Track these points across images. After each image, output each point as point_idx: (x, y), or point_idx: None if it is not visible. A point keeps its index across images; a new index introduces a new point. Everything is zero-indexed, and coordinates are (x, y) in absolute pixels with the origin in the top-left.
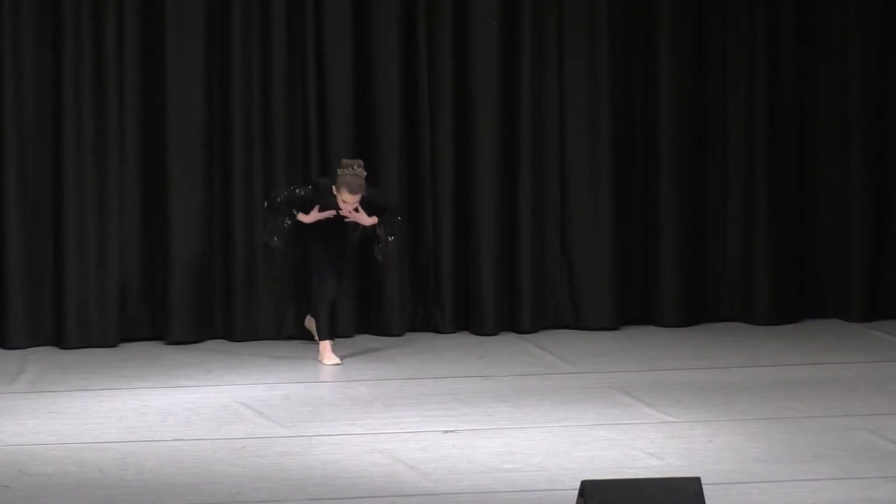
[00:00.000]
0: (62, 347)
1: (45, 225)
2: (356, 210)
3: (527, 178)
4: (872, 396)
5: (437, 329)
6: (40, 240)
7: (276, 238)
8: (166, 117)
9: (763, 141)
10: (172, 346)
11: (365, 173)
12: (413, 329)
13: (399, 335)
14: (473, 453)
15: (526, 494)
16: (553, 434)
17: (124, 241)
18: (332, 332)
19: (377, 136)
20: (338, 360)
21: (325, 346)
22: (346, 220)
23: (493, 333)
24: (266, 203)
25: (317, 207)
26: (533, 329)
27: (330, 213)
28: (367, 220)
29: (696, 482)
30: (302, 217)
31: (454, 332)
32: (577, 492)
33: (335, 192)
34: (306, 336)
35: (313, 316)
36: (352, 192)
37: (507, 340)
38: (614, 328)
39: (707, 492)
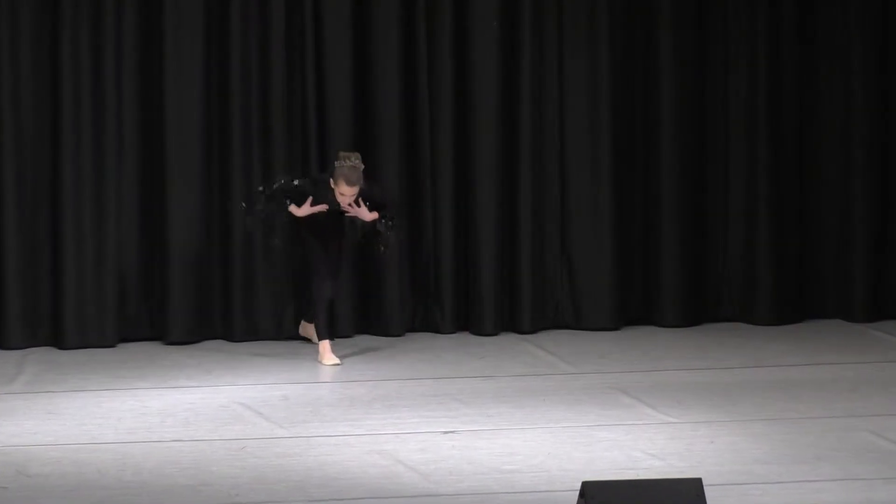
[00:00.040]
0: (60, 348)
1: (44, 225)
2: (357, 205)
3: (527, 178)
4: (874, 397)
5: (437, 329)
6: (38, 240)
7: (277, 240)
8: (165, 118)
9: (764, 141)
10: (171, 346)
11: (362, 166)
12: (413, 329)
13: (399, 335)
14: (473, 454)
15: (526, 495)
16: (554, 435)
17: (123, 241)
18: (331, 331)
19: (377, 137)
20: (337, 361)
21: (325, 346)
22: (345, 215)
23: (494, 334)
24: (261, 188)
25: (309, 200)
26: (533, 329)
27: (322, 208)
28: (367, 215)
29: (697, 483)
30: (294, 209)
31: (454, 333)
32: (577, 493)
33: (333, 185)
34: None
35: (309, 320)
36: (349, 183)
37: (507, 341)
38: (615, 328)
39: (708, 493)
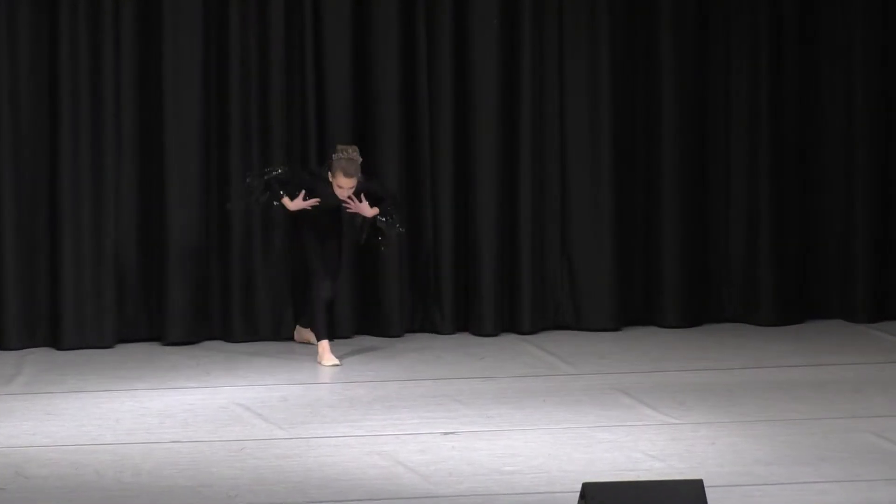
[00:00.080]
0: (59, 348)
1: (42, 226)
2: (359, 200)
3: (527, 178)
4: (876, 398)
5: (437, 330)
6: (37, 240)
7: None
8: (163, 118)
9: (766, 140)
10: (170, 347)
11: (360, 159)
12: (412, 330)
13: (398, 336)
14: (473, 455)
15: (527, 497)
16: (554, 436)
17: (121, 241)
18: (330, 332)
19: (377, 137)
20: (336, 361)
21: (324, 346)
22: (343, 213)
23: (494, 334)
24: (261, 175)
25: (302, 194)
26: (533, 330)
27: (314, 202)
28: (368, 211)
29: (698, 484)
30: (286, 202)
31: (454, 333)
32: (578, 494)
33: (331, 178)
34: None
35: (304, 324)
36: (347, 175)
37: (507, 341)
38: (615, 329)
39: (709, 494)
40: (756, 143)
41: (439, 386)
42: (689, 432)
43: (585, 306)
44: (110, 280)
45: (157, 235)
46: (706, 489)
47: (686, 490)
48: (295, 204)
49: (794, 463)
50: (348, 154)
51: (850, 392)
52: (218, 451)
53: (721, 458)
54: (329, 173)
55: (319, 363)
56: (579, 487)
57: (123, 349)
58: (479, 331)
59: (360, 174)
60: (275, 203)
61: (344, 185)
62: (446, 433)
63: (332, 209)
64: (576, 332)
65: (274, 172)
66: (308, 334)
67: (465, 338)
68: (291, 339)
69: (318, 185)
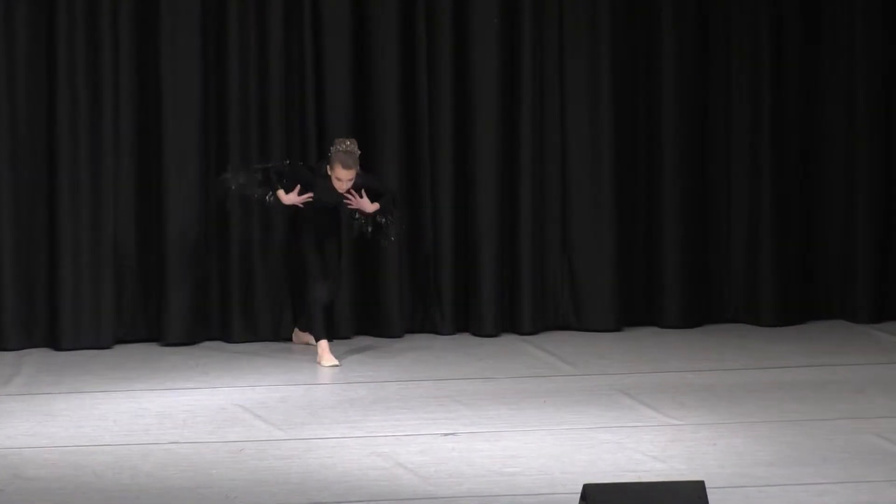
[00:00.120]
0: (57, 349)
1: (40, 225)
2: (360, 196)
3: (527, 178)
4: (879, 399)
5: (437, 330)
6: (35, 240)
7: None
8: (162, 118)
9: (767, 141)
10: (168, 347)
11: (359, 151)
12: (412, 330)
13: (398, 336)
14: (474, 456)
15: (527, 498)
16: (555, 437)
17: (120, 242)
18: (329, 332)
19: (376, 137)
20: (336, 362)
21: (323, 346)
22: (341, 212)
23: (494, 335)
24: (260, 165)
25: (297, 189)
26: (534, 330)
27: (308, 197)
28: (369, 206)
29: (699, 486)
30: (281, 194)
31: (454, 334)
32: (579, 495)
33: (329, 172)
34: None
35: (302, 327)
36: (346, 167)
37: (507, 342)
38: (616, 329)
39: (711, 495)
40: (757, 144)
41: (439, 387)
42: (690, 433)
43: (586, 306)
44: (109, 280)
45: (155, 236)
46: (707, 490)
47: (687, 491)
48: (290, 198)
49: (795, 464)
50: (346, 146)
51: (852, 393)
52: (217, 452)
53: (722, 459)
54: (328, 167)
55: (318, 364)
56: (580, 489)
57: (122, 350)
58: (480, 331)
59: (358, 166)
60: (268, 199)
61: (343, 178)
62: (446, 434)
63: (331, 208)
64: (576, 332)
65: (271, 164)
66: (307, 336)
67: (465, 338)
68: (291, 339)
69: (318, 181)
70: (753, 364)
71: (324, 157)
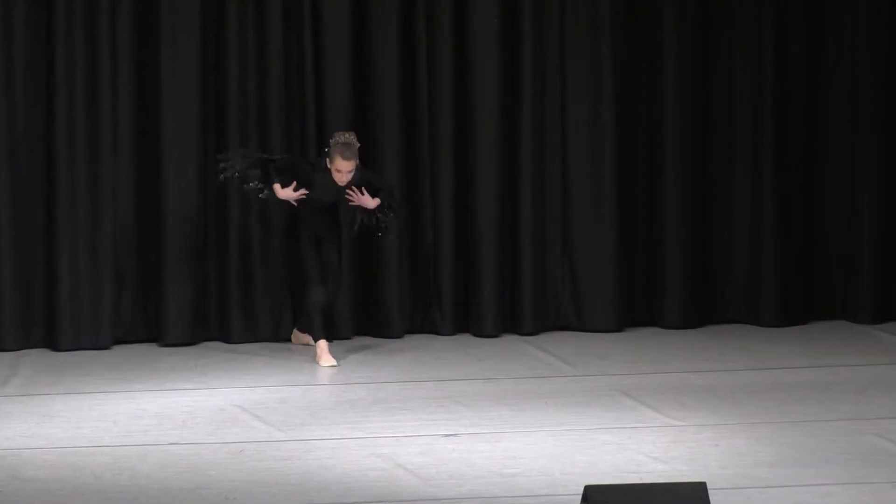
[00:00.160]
0: (55, 350)
1: (38, 226)
2: (360, 192)
3: (528, 178)
4: (881, 399)
5: (437, 331)
6: (33, 240)
7: (249, 183)
8: (161, 118)
9: (769, 140)
10: (167, 348)
11: (358, 144)
12: (412, 330)
13: (398, 337)
14: (474, 458)
15: (528, 499)
16: (555, 438)
17: (118, 242)
18: (328, 332)
19: (376, 137)
20: (334, 363)
21: (322, 346)
22: (340, 211)
23: (494, 335)
24: (260, 155)
25: (293, 185)
26: (534, 331)
27: (303, 194)
28: (370, 202)
29: (701, 487)
30: (276, 188)
31: (454, 334)
32: (580, 497)
33: (329, 165)
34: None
35: (302, 329)
36: (345, 158)
37: (508, 342)
38: (617, 330)
39: (713, 497)
40: (759, 144)
41: (440, 387)
42: (691, 434)
43: (587, 307)
44: (107, 281)
45: (154, 236)
46: (709, 491)
47: (689, 492)
48: (285, 193)
49: (797, 465)
50: (345, 138)
51: (854, 393)
52: (216, 453)
53: (724, 460)
54: (327, 160)
55: (318, 364)
56: (581, 490)
57: (121, 350)
58: (480, 331)
59: (357, 159)
60: (261, 196)
61: (343, 169)
62: (447, 435)
63: (330, 206)
64: (577, 332)
65: (272, 158)
66: (306, 337)
67: (465, 338)
68: (290, 340)
69: (317, 176)
70: (755, 365)
71: (323, 153)
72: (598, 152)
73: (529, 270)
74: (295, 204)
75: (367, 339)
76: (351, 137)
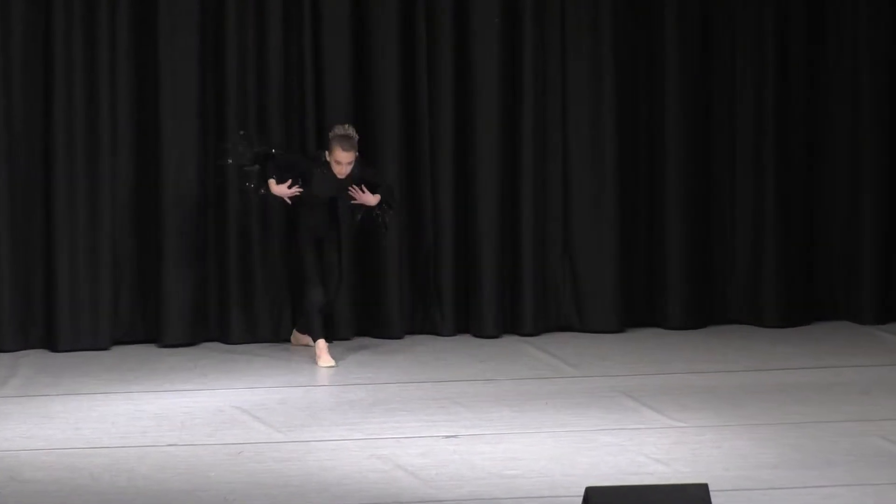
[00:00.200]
0: (53, 350)
1: (37, 226)
2: (361, 191)
3: (528, 178)
4: (884, 400)
5: (437, 331)
6: (31, 240)
7: (249, 183)
8: (160, 118)
9: (771, 140)
10: (166, 349)
11: (357, 136)
12: (413, 331)
13: (398, 337)
14: (475, 459)
15: (529, 501)
16: (556, 439)
17: (117, 242)
18: (327, 332)
19: (377, 136)
20: (333, 363)
21: (321, 346)
22: (339, 209)
23: (495, 336)
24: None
25: (288, 183)
26: (535, 331)
27: (297, 191)
28: (372, 199)
29: (703, 489)
30: (272, 184)
31: (455, 335)
32: (581, 498)
33: (328, 157)
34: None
35: (301, 329)
36: (344, 149)
37: (508, 343)
38: (619, 331)
39: (715, 499)
40: (761, 143)
41: (440, 388)
42: (693, 435)
43: (588, 307)
44: (106, 281)
45: (153, 236)
46: (711, 493)
47: (691, 494)
48: (279, 190)
49: (800, 466)
50: (345, 130)
51: (857, 394)
52: (215, 455)
53: (726, 462)
54: (326, 153)
55: (317, 364)
56: (582, 491)
57: (120, 351)
58: (481, 332)
59: (356, 151)
60: (262, 192)
61: (342, 161)
62: (447, 436)
63: (329, 203)
64: (578, 333)
65: (273, 152)
66: (306, 338)
67: (465, 339)
68: (289, 340)
69: (315, 171)
70: (757, 365)
71: (323, 147)
72: (599, 152)
73: (530, 271)
74: (289, 202)
75: (367, 340)
76: (350, 130)
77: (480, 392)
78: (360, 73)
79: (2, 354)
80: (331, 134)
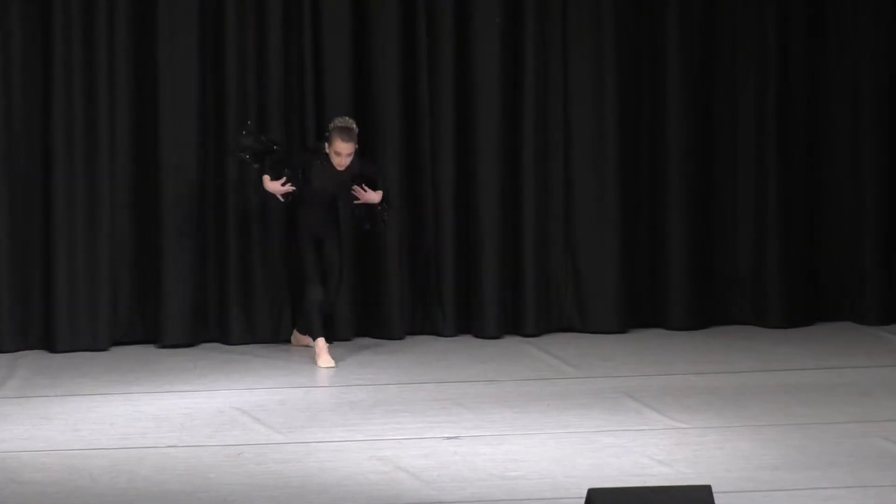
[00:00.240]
0: (52, 351)
1: (35, 226)
2: (359, 185)
3: (530, 177)
4: (887, 402)
5: (439, 332)
6: (30, 240)
7: (247, 155)
8: (159, 119)
9: (773, 139)
10: (166, 349)
11: (356, 129)
12: (413, 332)
13: (399, 338)
14: (476, 460)
15: (531, 503)
16: (558, 441)
17: (116, 242)
18: (327, 332)
19: (377, 136)
20: (332, 364)
21: (321, 345)
22: (339, 209)
23: (496, 336)
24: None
25: (282, 180)
26: (537, 332)
27: (289, 189)
28: (375, 197)
29: (706, 490)
30: (266, 180)
31: (456, 335)
32: (583, 500)
33: (327, 149)
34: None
35: (301, 330)
36: (344, 140)
37: (510, 344)
38: (621, 331)
39: (717, 500)
40: (763, 142)
41: (441, 389)
42: (696, 437)
43: (590, 308)
44: (105, 281)
45: (152, 237)
46: (714, 494)
47: (694, 496)
48: (273, 186)
49: (802, 468)
50: (344, 121)
51: (860, 396)
52: (215, 456)
53: (729, 463)
54: (326, 144)
55: (316, 363)
56: (584, 493)
57: (119, 352)
58: (482, 333)
59: (356, 142)
60: (255, 166)
61: (342, 152)
62: (448, 438)
63: (330, 201)
64: (580, 334)
65: (273, 145)
66: (306, 339)
67: (467, 340)
68: (289, 341)
69: (315, 165)
70: (760, 366)
71: (322, 139)
72: (601, 151)
73: (532, 271)
74: (281, 199)
75: (368, 340)
76: (350, 122)
77: (482, 393)
78: (360, 73)
79: (0, 355)
80: (331, 125)
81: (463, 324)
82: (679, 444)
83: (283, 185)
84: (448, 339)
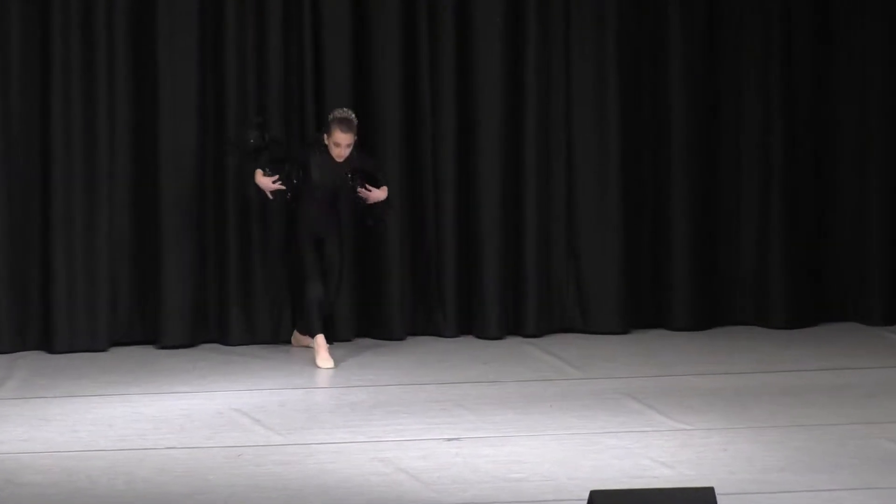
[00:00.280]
0: (50, 352)
1: (34, 225)
2: (358, 183)
3: (532, 177)
4: (891, 403)
5: (440, 332)
6: (28, 240)
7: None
8: (158, 118)
9: (777, 140)
10: (165, 350)
11: (356, 121)
12: (414, 332)
13: (400, 339)
14: (478, 462)
15: None
16: (560, 442)
17: (115, 242)
18: (327, 331)
19: (377, 137)
20: (331, 364)
21: (320, 343)
22: (339, 208)
23: (498, 337)
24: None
25: (277, 177)
26: (539, 333)
27: (279, 187)
28: (381, 195)
29: (709, 492)
30: (258, 174)
31: (457, 336)
32: (585, 502)
33: (327, 140)
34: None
35: (302, 330)
36: (343, 130)
37: (511, 344)
38: (624, 332)
39: (720, 502)
40: (767, 143)
41: (442, 390)
42: (699, 438)
43: (592, 308)
44: (104, 282)
45: (152, 237)
46: (717, 496)
47: (697, 498)
48: (264, 182)
49: (807, 470)
50: (344, 113)
51: (865, 397)
52: (215, 458)
53: (732, 465)
54: (325, 136)
55: (315, 362)
56: (587, 495)
57: (117, 352)
58: (483, 334)
59: (355, 134)
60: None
61: (341, 143)
62: (450, 439)
63: (331, 198)
64: (583, 335)
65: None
66: (306, 339)
67: (468, 341)
68: (290, 342)
69: (314, 160)
70: (763, 367)
71: (321, 130)
72: (604, 151)
73: (533, 271)
74: (270, 196)
75: (368, 341)
76: (349, 113)
77: (483, 394)
78: (360, 73)
79: None
80: (330, 117)
81: (464, 324)
82: (682, 445)
83: (274, 182)
84: (449, 339)
